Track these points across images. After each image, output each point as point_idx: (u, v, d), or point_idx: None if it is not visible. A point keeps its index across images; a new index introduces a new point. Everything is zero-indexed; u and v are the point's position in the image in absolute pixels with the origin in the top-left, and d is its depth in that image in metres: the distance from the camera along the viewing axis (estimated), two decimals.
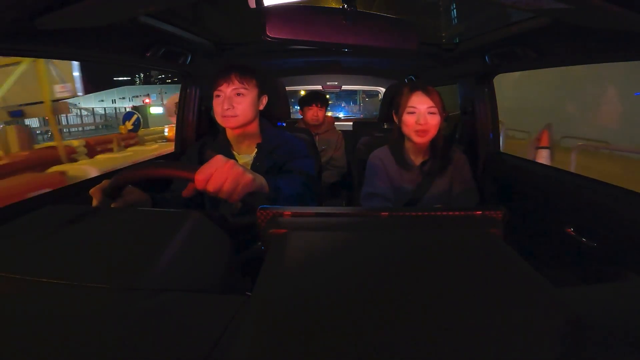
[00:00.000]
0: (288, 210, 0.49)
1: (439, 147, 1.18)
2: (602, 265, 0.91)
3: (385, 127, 2.27)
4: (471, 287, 0.33)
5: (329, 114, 3.09)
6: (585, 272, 0.98)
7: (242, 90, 1.00)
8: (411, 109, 1.12)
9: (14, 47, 0.77)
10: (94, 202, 0.68)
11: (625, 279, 0.84)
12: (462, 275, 0.35)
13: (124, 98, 30.40)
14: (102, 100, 30.56)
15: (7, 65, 4.66)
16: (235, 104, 1.00)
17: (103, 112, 19.85)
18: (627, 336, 0.27)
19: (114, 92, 31.90)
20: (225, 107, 0.99)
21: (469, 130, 1.65)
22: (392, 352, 0.25)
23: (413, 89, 1.13)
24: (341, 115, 5.17)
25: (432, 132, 1.12)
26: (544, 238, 1.15)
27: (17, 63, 4.56)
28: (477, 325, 0.27)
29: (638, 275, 0.81)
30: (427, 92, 1.11)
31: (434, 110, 1.10)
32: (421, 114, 1.10)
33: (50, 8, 0.66)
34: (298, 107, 2.35)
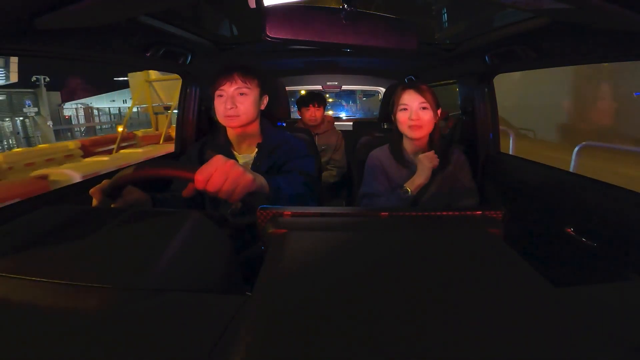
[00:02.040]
0: (288, 210, 0.49)
1: (437, 144, 1.19)
2: (602, 265, 0.91)
3: (385, 127, 2.27)
4: (471, 287, 0.33)
5: (330, 112, 3.09)
6: (585, 272, 0.98)
7: (244, 90, 1.00)
8: (403, 106, 1.14)
9: (13, 47, 0.77)
10: (94, 202, 0.68)
11: (625, 279, 0.84)
12: (462, 275, 0.35)
13: None
14: (114, 101, 30.74)
15: (166, 79, 7.63)
16: (238, 103, 1.00)
17: (117, 112, 20.91)
18: (627, 336, 0.27)
19: (124, 93, 32.15)
20: (228, 107, 0.99)
21: (469, 130, 1.65)
22: (392, 352, 0.25)
23: (405, 87, 1.16)
24: (343, 115, 5.18)
25: (427, 128, 1.13)
26: (544, 238, 1.15)
27: (175, 79, 7.09)
28: (478, 326, 0.27)
29: (638, 275, 0.81)
30: (418, 90, 1.13)
31: (426, 105, 1.12)
32: (413, 110, 1.12)
33: (50, 8, 0.66)
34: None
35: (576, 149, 2.64)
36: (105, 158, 5.43)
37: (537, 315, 0.29)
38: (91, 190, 0.68)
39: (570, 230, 1.00)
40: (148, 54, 1.13)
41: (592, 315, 0.29)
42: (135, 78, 8.12)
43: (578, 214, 1.01)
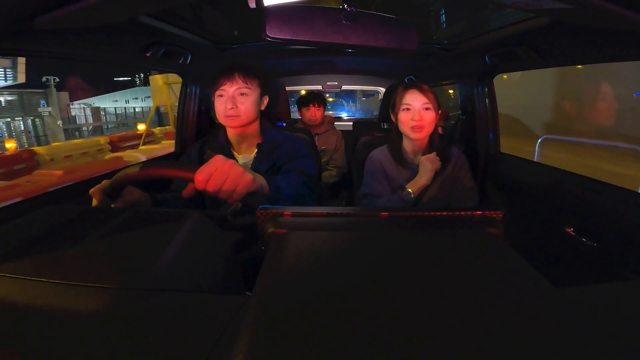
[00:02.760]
0: (288, 210, 0.49)
1: (437, 144, 1.19)
2: (602, 265, 0.91)
3: (385, 127, 2.27)
4: (471, 287, 0.33)
5: (330, 112, 3.09)
6: (585, 272, 0.98)
7: (245, 90, 1.00)
8: (406, 106, 1.14)
9: (13, 47, 0.77)
10: (94, 202, 0.68)
11: (625, 279, 0.84)
12: (462, 275, 0.35)
13: (136, 98, 31.09)
14: (116, 101, 31.05)
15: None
16: (239, 103, 1.00)
17: (122, 112, 21.41)
18: (627, 336, 0.27)
19: (127, 93, 32.46)
20: (229, 107, 0.99)
21: (469, 130, 1.65)
22: (392, 352, 0.25)
23: (407, 87, 1.16)
24: (345, 115, 5.19)
25: (428, 128, 1.14)
26: (544, 238, 1.15)
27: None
28: (478, 326, 0.27)
29: (638, 275, 0.81)
30: (421, 90, 1.13)
31: (429, 106, 1.12)
32: (416, 111, 1.12)
33: (50, 8, 0.66)
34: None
35: (539, 140, 3.10)
36: (157, 146, 6.86)
37: (537, 315, 0.29)
38: (91, 190, 0.68)
39: (570, 230, 1.00)
40: (148, 54, 1.13)
41: (592, 315, 0.29)
42: (155, 81, 8.83)
43: (578, 214, 1.01)
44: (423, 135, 1.14)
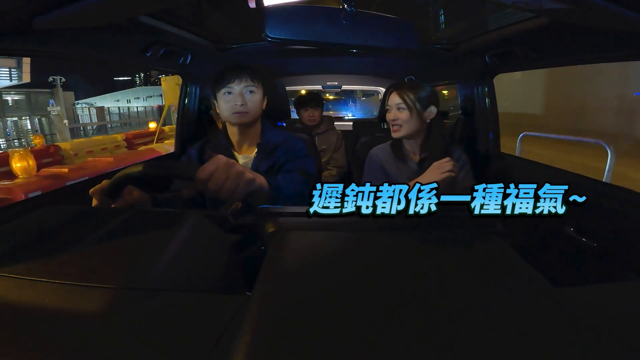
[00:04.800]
0: (288, 210, 0.49)
1: (434, 144, 1.21)
2: (602, 265, 0.91)
3: (385, 127, 2.27)
4: (472, 287, 0.33)
5: (330, 113, 3.09)
6: (585, 272, 0.98)
7: (252, 88, 1.03)
8: (388, 107, 1.22)
9: (13, 47, 0.77)
10: (94, 202, 0.68)
11: (626, 279, 0.84)
12: (462, 275, 0.35)
13: (138, 98, 31.14)
14: (118, 100, 31.13)
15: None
16: (247, 100, 1.01)
17: (125, 111, 21.34)
18: (627, 336, 0.27)
19: (128, 92, 32.57)
20: (239, 103, 1.00)
21: (469, 130, 1.66)
22: (391, 352, 0.25)
23: (391, 89, 1.23)
24: (349, 115, 5.21)
25: (406, 127, 1.17)
26: (544, 238, 1.15)
27: None
28: (478, 326, 0.27)
29: (638, 275, 0.81)
30: (399, 91, 1.18)
31: (403, 105, 1.17)
32: (392, 110, 1.19)
33: (50, 8, 0.66)
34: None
35: (520, 137, 3.40)
36: (173, 140, 7.49)
37: (537, 315, 0.29)
38: (91, 190, 0.68)
39: (570, 230, 1.00)
40: (148, 54, 1.13)
41: (592, 315, 0.29)
42: (167, 82, 9.30)
43: (578, 214, 1.01)
44: (400, 134, 1.19)
